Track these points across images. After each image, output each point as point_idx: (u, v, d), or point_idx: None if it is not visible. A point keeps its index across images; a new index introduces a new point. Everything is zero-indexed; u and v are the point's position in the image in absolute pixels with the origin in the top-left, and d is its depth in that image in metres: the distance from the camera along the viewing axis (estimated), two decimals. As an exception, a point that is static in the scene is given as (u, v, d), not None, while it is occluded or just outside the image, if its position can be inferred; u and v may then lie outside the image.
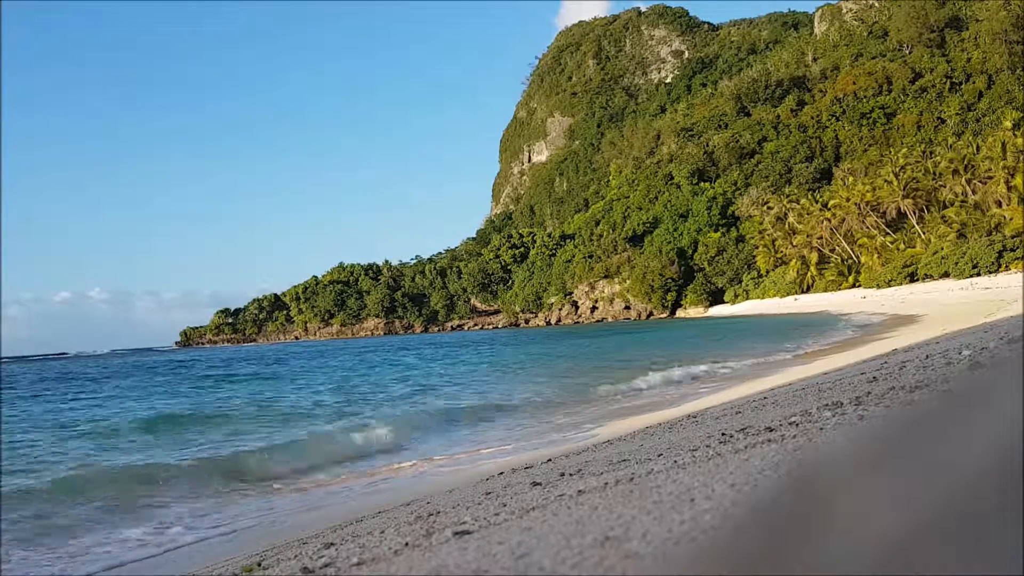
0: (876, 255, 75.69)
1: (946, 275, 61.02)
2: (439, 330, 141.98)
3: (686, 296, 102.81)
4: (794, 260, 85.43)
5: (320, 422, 14.94)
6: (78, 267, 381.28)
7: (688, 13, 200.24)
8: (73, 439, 13.97)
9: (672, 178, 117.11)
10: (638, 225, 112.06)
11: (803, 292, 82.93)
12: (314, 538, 5.27)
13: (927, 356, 8.07)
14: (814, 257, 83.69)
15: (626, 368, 21.12)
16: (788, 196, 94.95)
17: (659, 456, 4.36)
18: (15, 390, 31.73)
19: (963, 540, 0.42)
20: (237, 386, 26.56)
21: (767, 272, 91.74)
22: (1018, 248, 56.96)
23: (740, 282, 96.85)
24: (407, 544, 3.06)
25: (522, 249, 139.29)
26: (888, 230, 78.03)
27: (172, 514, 8.08)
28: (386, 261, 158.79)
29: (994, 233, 62.65)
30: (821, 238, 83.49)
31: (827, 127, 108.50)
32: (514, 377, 23.93)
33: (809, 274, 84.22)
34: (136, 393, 26.24)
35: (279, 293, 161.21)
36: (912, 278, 65.49)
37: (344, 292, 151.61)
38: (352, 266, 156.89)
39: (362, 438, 12.19)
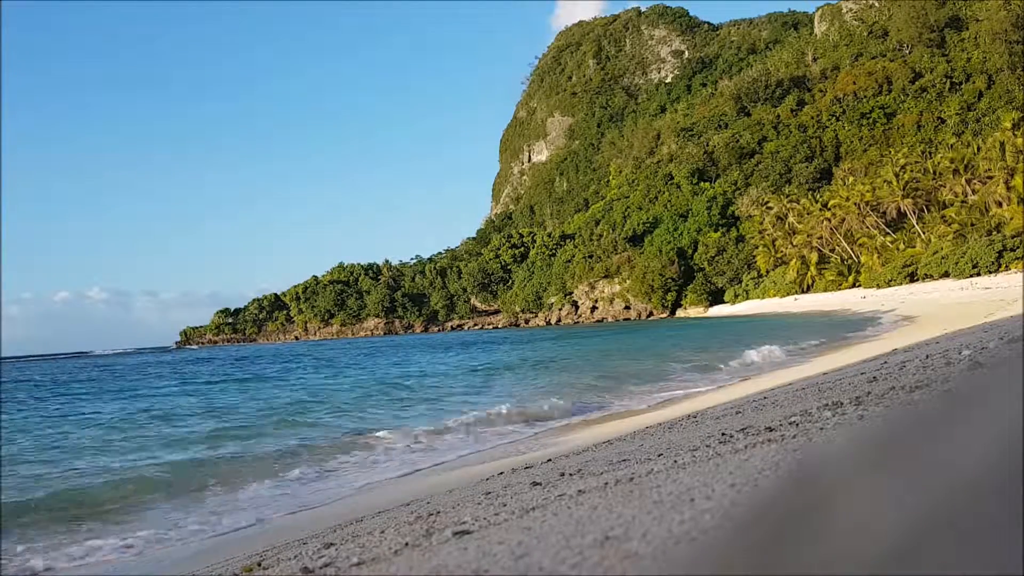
0: (876, 255, 75.69)
1: (946, 275, 61.01)
2: (439, 330, 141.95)
3: (686, 296, 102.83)
4: (794, 260, 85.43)
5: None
6: (77, 267, 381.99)
7: (688, 13, 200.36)
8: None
9: (672, 178, 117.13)
10: (638, 225, 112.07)
11: (803, 292, 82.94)
12: (314, 538, 5.27)
13: (927, 356, 8.07)
14: (814, 257, 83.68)
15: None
16: (788, 196, 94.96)
17: (659, 456, 4.36)
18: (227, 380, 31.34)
19: (963, 540, 0.41)
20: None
21: (767, 272, 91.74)
22: (1018, 248, 56.96)
23: (740, 282, 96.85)
24: (407, 544, 3.06)
25: (522, 249, 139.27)
26: (888, 230, 78.03)
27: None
28: (386, 261, 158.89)
29: (994, 233, 62.67)
30: (821, 238, 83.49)
31: (827, 127, 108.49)
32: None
33: (809, 274, 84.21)
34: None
35: (279, 293, 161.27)
36: (912, 278, 65.48)
37: (344, 292, 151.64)
38: (352, 266, 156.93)
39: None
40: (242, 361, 52.91)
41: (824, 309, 62.52)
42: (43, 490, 9.44)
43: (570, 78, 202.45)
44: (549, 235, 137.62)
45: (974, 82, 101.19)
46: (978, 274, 57.26)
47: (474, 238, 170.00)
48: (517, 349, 43.49)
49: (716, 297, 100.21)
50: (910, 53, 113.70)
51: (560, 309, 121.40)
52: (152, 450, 12.55)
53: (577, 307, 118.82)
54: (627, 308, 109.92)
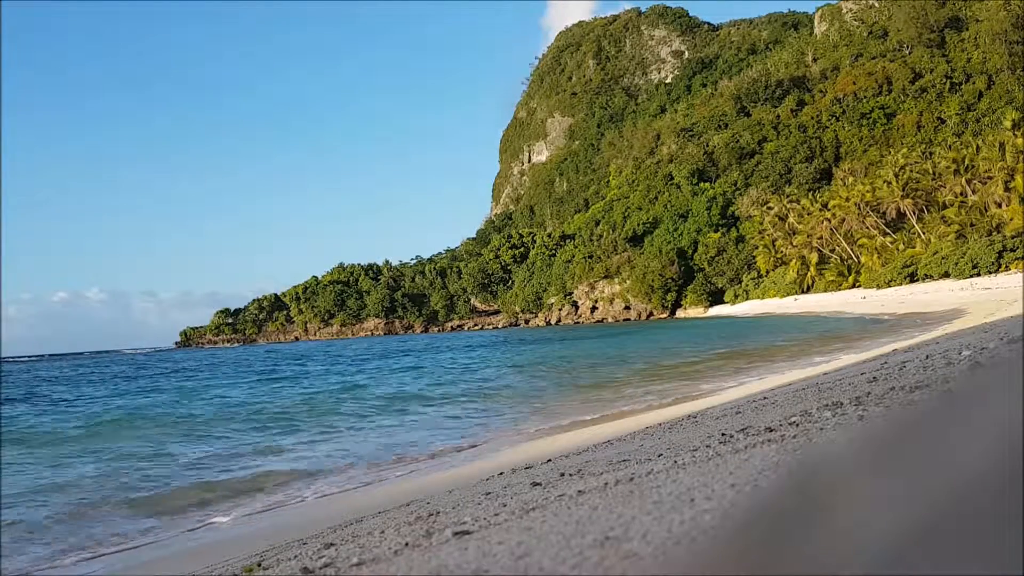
0: (876, 255, 75.66)
1: (946, 275, 60.99)
2: (439, 330, 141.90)
3: (686, 296, 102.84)
4: (794, 260, 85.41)
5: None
6: (76, 267, 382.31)
7: (688, 13, 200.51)
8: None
9: (672, 178, 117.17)
10: (638, 225, 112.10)
11: (803, 292, 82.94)
12: (314, 538, 5.27)
13: (927, 356, 8.06)
14: (814, 257, 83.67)
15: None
16: (788, 196, 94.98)
17: (659, 456, 4.36)
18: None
19: (963, 540, 0.41)
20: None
21: (767, 272, 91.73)
22: (1018, 248, 56.95)
23: (740, 282, 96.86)
24: (407, 544, 3.06)
25: (522, 249, 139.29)
26: (888, 230, 78.01)
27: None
28: (386, 261, 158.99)
29: (994, 233, 62.67)
30: (821, 238, 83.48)
31: (827, 127, 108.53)
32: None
33: (809, 274, 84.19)
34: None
35: (279, 293, 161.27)
36: (912, 278, 65.45)
37: (344, 292, 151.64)
38: (352, 266, 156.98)
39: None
40: (352, 356, 51.95)
41: (824, 309, 62.31)
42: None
43: (570, 78, 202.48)
44: (549, 235, 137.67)
45: (974, 82, 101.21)
46: (978, 274, 57.25)
47: (474, 238, 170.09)
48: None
49: (716, 297, 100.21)
50: (910, 53, 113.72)
51: (560, 309, 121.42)
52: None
53: (577, 307, 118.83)
54: (627, 308, 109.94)
